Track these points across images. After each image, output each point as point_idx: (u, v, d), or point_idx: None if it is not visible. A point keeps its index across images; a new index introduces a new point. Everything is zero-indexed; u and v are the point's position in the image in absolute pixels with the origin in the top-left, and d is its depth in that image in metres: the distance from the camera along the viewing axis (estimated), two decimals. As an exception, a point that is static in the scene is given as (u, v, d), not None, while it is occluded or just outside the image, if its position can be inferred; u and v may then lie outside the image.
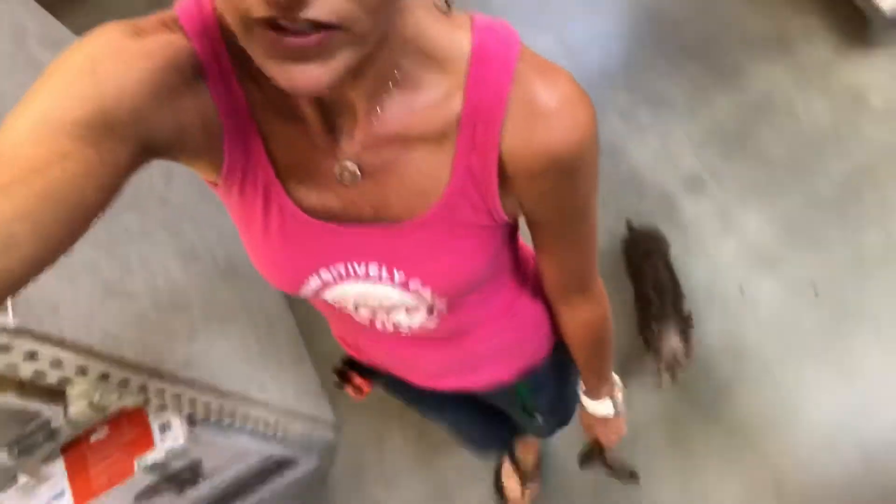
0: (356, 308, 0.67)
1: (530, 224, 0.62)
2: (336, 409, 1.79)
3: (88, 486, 1.26)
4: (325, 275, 0.62)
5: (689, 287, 1.72)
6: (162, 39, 0.47)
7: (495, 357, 0.84)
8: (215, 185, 0.57)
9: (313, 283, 0.63)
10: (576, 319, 0.76)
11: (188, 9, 0.49)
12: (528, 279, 0.79)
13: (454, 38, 0.50)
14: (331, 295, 0.65)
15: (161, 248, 1.38)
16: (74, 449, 1.28)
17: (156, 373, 1.12)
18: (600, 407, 0.90)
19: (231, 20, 0.39)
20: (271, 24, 0.37)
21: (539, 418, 0.99)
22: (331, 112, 0.51)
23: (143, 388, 1.09)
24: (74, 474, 1.27)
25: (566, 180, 0.55)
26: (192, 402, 1.24)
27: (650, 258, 1.65)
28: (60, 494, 1.26)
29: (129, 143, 0.43)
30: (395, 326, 0.70)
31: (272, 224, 0.57)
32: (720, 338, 1.69)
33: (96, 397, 1.02)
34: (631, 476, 1.04)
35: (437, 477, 1.69)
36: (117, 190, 0.43)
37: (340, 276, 0.62)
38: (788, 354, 1.64)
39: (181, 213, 1.56)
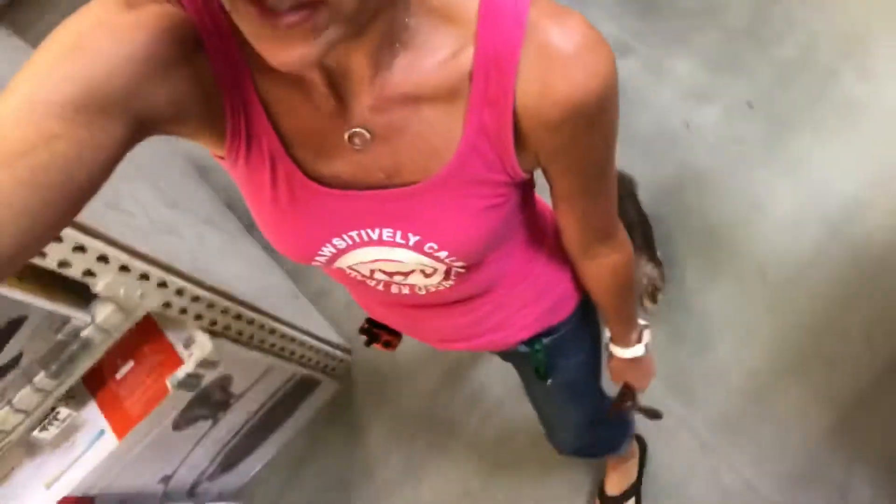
0: (371, 274, 0.66)
1: (549, 178, 0.60)
2: (344, 334, 1.84)
3: (126, 417, 1.28)
4: (339, 242, 0.60)
5: (639, 137, 1.85)
6: (155, 10, 0.45)
7: (514, 316, 0.83)
8: (221, 158, 0.56)
9: (327, 251, 0.62)
10: (602, 269, 0.75)
11: None
12: (547, 236, 0.78)
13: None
14: (345, 262, 0.64)
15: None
16: (104, 390, 1.30)
17: (173, 270, 1.16)
18: (630, 351, 0.90)
19: None
20: (255, 2, 0.36)
21: (550, 384, 0.95)
22: (337, 76, 0.49)
23: (162, 284, 1.13)
24: (110, 411, 1.29)
25: (586, 130, 0.53)
26: (211, 306, 1.28)
27: (620, 201, 1.69)
28: (101, 434, 1.29)
29: (123, 121, 0.42)
30: (412, 289, 0.69)
31: (281, 194, 0.56)
32: (678, 168, 1.81)
33: (121, 292, 1.06)
34: (655, 415, 1.07)
35: (448, 358, 1.75)
36: (112, 169, 0.42)
37: (354, 243, 0.60)
38: (740, 166, 1.78)
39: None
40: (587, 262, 0.74)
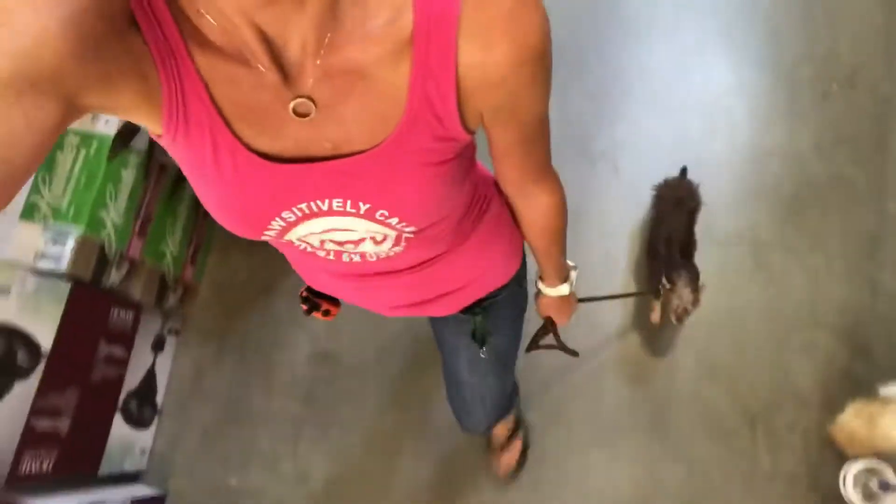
0: (321, 244, 0.66)
1: (489, 130, 0.61)
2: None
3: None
4: (288, 216, 0.60)
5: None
6: None
7: (460, 282, 0.85)
8: (159, 136, 0.54)
9: (276, 225, 0.61)
10: (535, 210, 0.78)
11: None
12: (489, 200, 0.79)
13: None
14: (295, 234, 0.63)
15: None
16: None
17: None
18: (557, 290, 0.95)
19: None
20: None
21: (485, 356, 0.99)
22: (278, 47, 0.48)
23: None
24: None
25: (528, 84, 0.54)
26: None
27: (677, 209, 1.65)
28: None
29: (54, 98, 0.41)
30: (363, 257, 0.69)
31: (225, 171, 0.55)
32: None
33: None
34: (572, 352, 1.12)
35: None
36: (47, 149, 0.41)
37: (304, 215, 0.60)
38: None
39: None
40: (521, 201, 0.77)
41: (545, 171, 0.71)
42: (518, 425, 1.62)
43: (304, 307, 0.94)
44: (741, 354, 1.72)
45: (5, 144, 0.38)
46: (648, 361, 1.73)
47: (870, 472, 1.53)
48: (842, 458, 1.57)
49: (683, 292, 1.52)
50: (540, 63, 0.52)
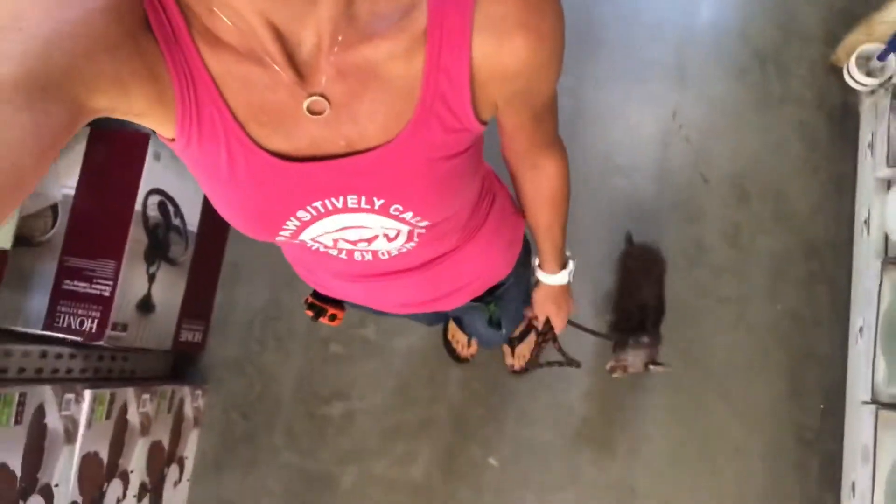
0: (335, 244, 0.66)
1: (500, 113, 0.60)
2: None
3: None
4: (304, 215, 0.59)
5: None
6: None
7: (470, 278, 0.85)
8: (171, 140, 0.53)
9: (291, 225, 0.61)
10: (541, 179, 0.77)
11: None
12: (496, 196, 0.80)
13: None
14: (309, 234, 0.63)
15: None
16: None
17: None
18: (556, 278, 0.95)
19: None
20: None
21: (504, 331, 1.02)
22: (292, 45, 0.48)
23: None
24: None
25: (541, 72, 0.54)
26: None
27: (650, 275, 1.63)
28: None
29: (65, 101, 0.40)
30: (375, 255, 0.69)
31: (239, 172, 0.54)
32: None
33: None
34: (574, 362, 1.12)
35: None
36: (57, 151, 0.40)
37: (319, 214, 0.59)
38: None
39: None
40: (529, 172, 0.76)
41: (553, 140, 0.72)
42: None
43: (310, 313, 0.95)
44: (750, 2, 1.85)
45: (15, 148, 0.37)
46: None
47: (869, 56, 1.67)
48: (844, 81, 1.73)
49: (639, 353, 1.47)
50: (554, 49, 0.52)
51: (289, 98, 0.51)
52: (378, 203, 0.58)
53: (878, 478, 1.42)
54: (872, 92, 1.65)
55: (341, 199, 0.58)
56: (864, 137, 1.67)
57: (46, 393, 1.29)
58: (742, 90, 1.80)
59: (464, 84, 0.51)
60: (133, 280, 1.54)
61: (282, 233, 0.61)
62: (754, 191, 1.75)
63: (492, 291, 0.91)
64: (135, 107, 0.47)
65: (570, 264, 0.96)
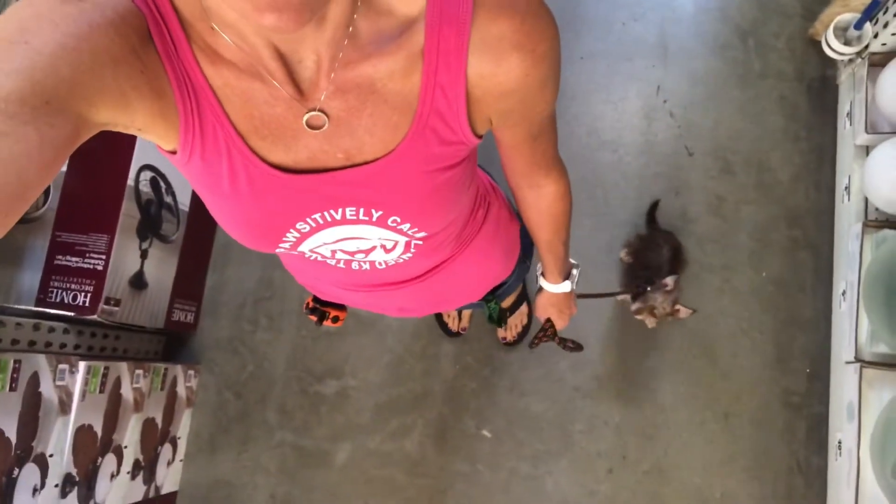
0: (332, 254, 0.67)
1: (497, 130, 0.62)
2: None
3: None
4: (303, 226, 0.60)
5: None
6: (100, 2, 0.44)
7: (467, 285, 0.87)
8: (172, 153, 0.54)
9: (291, 236, 0.62)
10: (542, 199, 0.77)
11: None
12: (490, 205, 0.81)
13: None
14: (308, 246, 0.64)
15: None
16: None
17: None
18: (559, 287, 0.95)
19: None
20: None
21: (503, 325, 1.06)
22: (292, 63, 0.49)
23: None
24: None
25: (538, 90, 0.55)
26: None
27: (659, 249, 1.62)
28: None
29: (69, 115, 0.40)
30: (372, 265, 0.70)
31: (240, 185, 0.55)
32: None
33: None
34: (576, 347, 1.13)
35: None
36: (60, 164, 0.41)
37: (318, 225, 0.61)
38: None
39: None
40: (530, 192, 0.77)
41: (553, 162, 0.72)
42: (523, 289, 1.68)
43: (314, 318, 0.96)
44: (729, -18, 1.89)
45: (20, 161, 0.37)
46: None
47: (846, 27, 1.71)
48: (822, 55, 1.77)
49: (665, 304, 1.50)
50: (550, 69, 0.53)
51: (288, 113, 0.52)
52: (376, 215, 0.59)
53: (864, 434, 1.45)
54: (850, 61, 1.69)
55: (340, 210, 0.59)
56: (843, 107, 1.71)
57: (41, 362, 1.29)
58: (723, 66, 1.84)
59: (459, 100, 0.52)
60: (126, 255, 1.54)
61: (281, 244, 0.62)
62: (737, 162, 1.79)
63: (492, 291, 0.93)
64: (137, 121, 0.48)
65: (574, 272, 0.96)
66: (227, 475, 1.81)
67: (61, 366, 1.35)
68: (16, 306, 1.47)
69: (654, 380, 1.71)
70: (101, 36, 0.42)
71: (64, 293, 1.48)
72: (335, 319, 0.97)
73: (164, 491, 1.75)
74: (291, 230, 0.60)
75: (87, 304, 1.47)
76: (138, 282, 1.60)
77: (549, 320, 1.04)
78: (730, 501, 1.66)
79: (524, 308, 1.72)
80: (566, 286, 0.95)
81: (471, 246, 0.80)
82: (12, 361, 1.21)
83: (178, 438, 1.80)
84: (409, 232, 0.63)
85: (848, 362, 1.53)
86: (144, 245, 1.61)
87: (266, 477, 1.79)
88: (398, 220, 0.60)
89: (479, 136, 0.58)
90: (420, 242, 0.66)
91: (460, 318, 1.74)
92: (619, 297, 1.67)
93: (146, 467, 1.66)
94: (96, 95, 0.42)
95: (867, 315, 1.45)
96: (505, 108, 0.56)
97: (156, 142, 0.53)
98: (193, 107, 0.50)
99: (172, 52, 0.47)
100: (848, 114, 1.67)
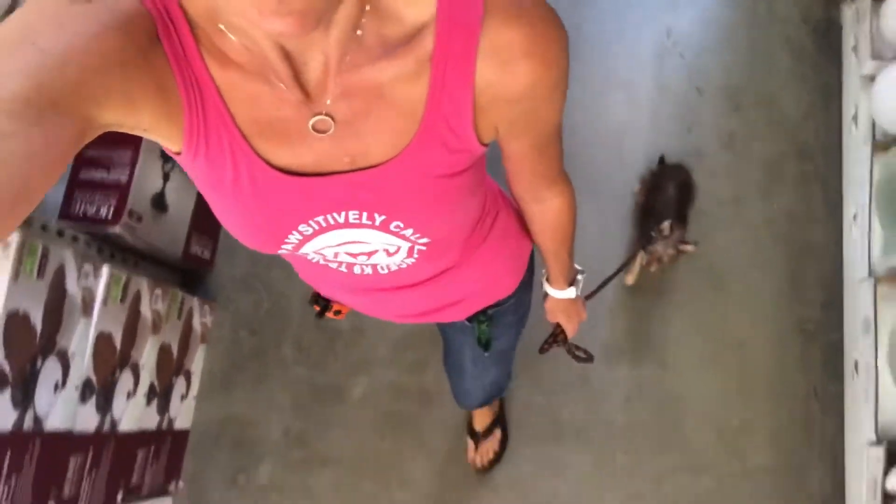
0: (335, 256, 0.67)
1: (503, 140, 0.61)
2: None
3: None
4: (306, 229, 0.60)
5: None
6: (107, 2, 0.44)
7: (469, 293, 0.86)
8: (178, 154, 0.54)
9: (293, 238, 0.61)
10: (547, 213, 0.78)
11: None
12: (497, 210, 0.81)
13: None
14: (311, 248, 0.64)
15: None
16: None
17: None
18: (563, 293, 0.95)
19: None
20: None
21: (488, 355, 1.01)
22: (299, 66, 0.49)
23: None
24: None
25: (545, 99, 0.54)
26: None
27: (665, 184, 1.66)
28: None
29: (75, 116, 0.40)
30: (374, 269, 0.69)
31: (244, 187, 0.55)
32: None
33: None
34: (587, 356, 1.13)
35: None
36: (65, 164, 0.41)
37: (321, 228, 0.60)
38: None
39: None
40: (534, 205, 0.77)
41: (558, 174, 0.72)
42: (501, 412, 1.67)
43: (317, 308, 0.96)
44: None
45: (25, 162, 0.37)
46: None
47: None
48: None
49: (671, 241, 1.55)
50: (558, 78, 0.53)
51: (294, 115, 0.52)
52: (379, 219, 0.59)
53: (881, 349, 1.47)
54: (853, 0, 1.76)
55: (343, 214, 0.59)
56: (848, 43, 1.77)
57: (67, 255, 1.30)
58: (731, 10, 1.91)
59: (466, 107, 0.52)
60: (149, 172, 1.56)
61: (284, 246, 0.63)
62: (747, 101, 1.83)
63: (488, 310, 0.92)
64: (143, 121, 0.48)
65: (579, 278, 0.96)
66: (241, 412, 1.79)
67: (86, 265, 1.35)
68: (40, 217, 1.48)
69: (669, 311, 1.73)
70: (109, 37, 0.42)
71: (87, 205, 1.49)
72: (337, 312, 0.97)
73: (176, 426, 1.73)
74: (294, 232, 0.60)
75: (109, 217, 1.48)
76: (160, 202, 1.62)
77: (559, 325, 1.04)
78: (747, 429, 1.66)
79: (498, 433, 1.64)
80: (570, 292, 0.95)
81: (476, 254, 0.79)
82: (41, 247, 1.22)
83: (192, 374, 1.78)
84: (412, 237, 0.62)
85: (861, 280, 1.55)
86: (167, 168, 1.63)
87: (280, 413, 1.78)
88: (401, 224, 0.60)
89: (485, 145, 0.57)
90: (423, 248, 0.66)
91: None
92: (625, 270, 1.66)
93: (161, 395, 1.65)
94: (103, 96, 0.42)
95: (881, 225, 1.48)
96: (512, 117, 0.55)
97: (161, 142, 0.53)
98: (199, 107, 0.50)
99: (180, 54, 0.48)
100: (853, 47, 1.73)
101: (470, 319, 0.92)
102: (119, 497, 1.52)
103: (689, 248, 1.55)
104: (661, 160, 1.76)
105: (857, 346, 1.56)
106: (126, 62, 0.43)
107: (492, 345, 0.96)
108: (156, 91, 0.47)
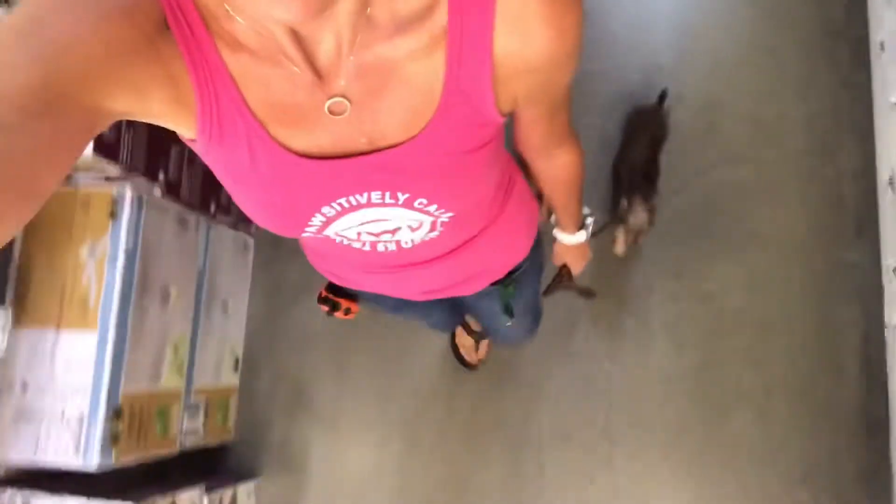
0: (358, 236, 0.66)
1: (518, 107, 0.60)
2: None
3: None
4: (328, 211, 0.60)
5: None
6: None
7: (491, 261, 0.87)
8: (193, 141, 0.54)
9: (317, 221, 0.61)
10: (556, 168, 0.79)
11: None
12: (514, 181, 0.81)
13: None
14: (333, 230, 0.63)
15: None
16: None
17: None
18: (574, 238, 0.99)
19: None
20: None
21: (514, 319, 1.02)
22: (311, 48, 0.48)
23: None
24: None
25: (561, 67, 0.54)
26: None
27: (638, 136, 1.69)
28: None
29: (82, 107, 0.40)
30: (398, 245, 0.69)
31: (263, 172, 0.55)
32: None
33: None
34: (589, 293, 1.19)
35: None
36: (75, 157, 0.41)
37: (343, 209, 0.60)
38: None
39: None
40: (544, 161, 0.78)
41: (568, 132, 0.73)
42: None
43: (325, 308, 0.96)
44: None
45: (33, 157, 0.37)
46: None
47: None
48: None
49: (638, 210, 1.56)
50: (575, 43, 0.52)
51: (309, 99, 0.51)
52: (402, 197, 0.59)
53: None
54: None
55: (365, 195, 0.58)
56: None
57: None
58: None
59: (485, 79, 0.51)
60: None
61: (307, 229, 0.62)
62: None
63: (509, 275, 0.93)
64: (153, 109, 0.47)
65: (588, 221, 0.99)
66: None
67: None
68: None
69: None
70: (117, 25, 0.42)
71: None
72: (347, 311, 0.97)
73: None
74: (317, 214, 0.60)
75: None
76: None
77: (564, 266, 1.09)
78: (784, 121, 1.79)
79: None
80: (581, 236, 0.99)
81: (496, 222, 0.80)
82: None
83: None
84: (437, 212, 0.62)
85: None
86: None
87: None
88: (425, 202, 0.60)
89: (504, 116, 0.57)
90: (446, 221, 0.66)
91: (477, 349, 1.76)
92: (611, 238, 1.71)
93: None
94: (112, 85, 0.42)
95: None
96: (530, 85, 0.55)
97: (175, 129, 0.52)
98: (211, 93, 0.49)
99: (190, 39, 0.47)
100: None
101: (495, 283, 0.92)
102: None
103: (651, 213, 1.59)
104: (662, 97, 1.74)
105: (882, 25, 1.68)
106: (134, 50, 0.43)
107: (515, 307, 0.99)
108: (165, 78, 0.46)
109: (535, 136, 0.70)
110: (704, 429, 1.65)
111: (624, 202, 1.59)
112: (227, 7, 0.46)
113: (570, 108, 0.68)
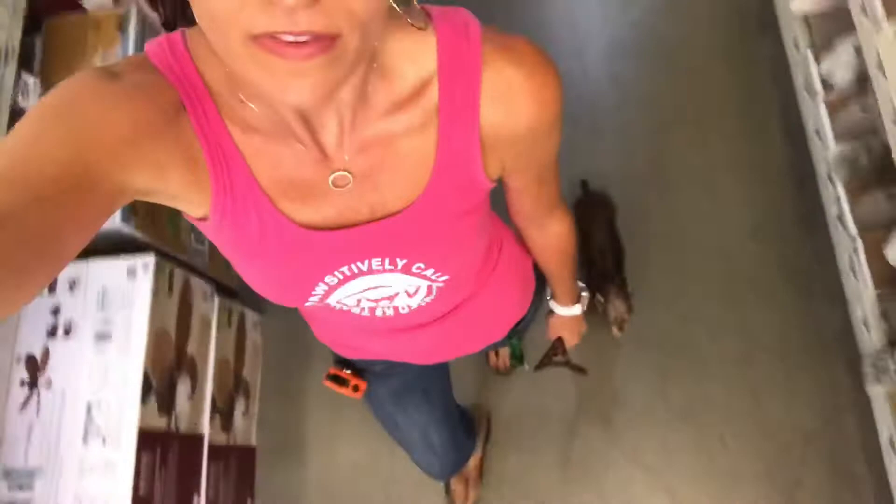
0: (357, 303, 0.69)
1: (507, 175, 0.65)
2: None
3: None
4: (331, 279, 0.63)
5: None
6: (137, 79, 0.48)
7: (490, 321, 0.91)
8: (202, 220, 0.56)
9: (319, 290, 0.64)
10: (548, 237, 0.83)
11: (157, 48, 0.50)
12: (503, 241, 0.86)
13: (417, 41, 0.52)
14: (335, 297, 0.66)
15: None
16: None
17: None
18: (569, 310, 1.02)
19: (223, 44, 0.39)
20: (272, 38, 0.37)
21: (526, 366, 1.09)
22: (315, 125, 0.52)
23: None
24: None
25: (545, 136, 0.59)
26: None
27: (597, 221, 1.72)
28: None
29: (106, 185, 0.43)
30: (396, 310, 0.73)
31: (271, 247, 0.58)
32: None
33: None
34: (580, 370, 1.22)
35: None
36: (96, 229, 0.43)
37: (345, 277, 0.63)
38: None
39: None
40: (536, 231, 0.83)
41: (557, 202, 0.77)
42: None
43: (333, 386, 1.00)
44: None
45: (62, 226, 0.40)
46: None
47: None
48: None
49: (617, 303, 1.60)
50: (556, 115, 0.57)
51: (315, 174, 0.55)
52: (401, 263, 0.63)
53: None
54: None
55: (366, 262, 0.62)
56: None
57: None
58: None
59: (474, 149, 0.56)
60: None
61: (311, 298, 0.65)
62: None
63: (514, 328, 0.97)
64: (171, 188, 0.50)
65: (583, 295, 1.03)
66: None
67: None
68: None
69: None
70: (140, 110, 0.46)
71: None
72: (355, 389, 1.00)
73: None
74: (320, 283, 0.63)
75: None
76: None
77: (559, 340, 1.11)
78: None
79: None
80: (576, 310, 1.02)
81: (489, 283, 0.83)
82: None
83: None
84: (433, 276, 0.66)
85: None
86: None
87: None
88: (422, 266, 0.64)
89: (493, 181, 0.61)
90: (441, 285, 0.69)
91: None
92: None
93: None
94: (137, 162, 0.45)
95: None
96: (516, 153, 0.59)
97: (186, 209, 0.56)
98: (225, 173, 0.53)
99: (204, 122, 0.51)
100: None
101: (506, 337, 0.97)
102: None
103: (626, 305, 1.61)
104: (585, 185, 1.80)
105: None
106: (156, 133, 0.47)
107: (524, 357, 1.05)
108: (183, 158, 0.50)
109: (526, 205, 0.74)
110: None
111: (599, 298, 1.62)
112: (241, 96, 0.50)
113: (559, 180, 0.72)
